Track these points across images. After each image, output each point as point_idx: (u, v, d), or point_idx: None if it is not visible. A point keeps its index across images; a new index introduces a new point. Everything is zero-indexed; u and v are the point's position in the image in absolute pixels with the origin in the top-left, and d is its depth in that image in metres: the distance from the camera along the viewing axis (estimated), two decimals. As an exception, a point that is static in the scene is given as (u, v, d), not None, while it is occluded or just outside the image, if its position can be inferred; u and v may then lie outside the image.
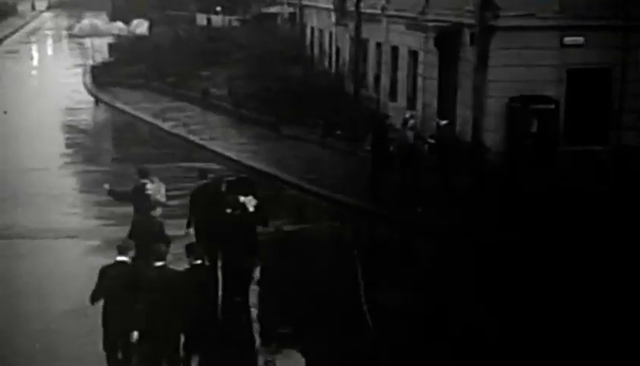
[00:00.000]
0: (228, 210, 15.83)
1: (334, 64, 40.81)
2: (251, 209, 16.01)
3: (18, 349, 15.40)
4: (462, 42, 25.27)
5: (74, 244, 21.18)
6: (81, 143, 32.82)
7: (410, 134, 23.85)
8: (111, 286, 13.18)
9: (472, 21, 24.25)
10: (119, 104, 40.05)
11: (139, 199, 17.13)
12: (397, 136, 24.10)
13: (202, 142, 31.78)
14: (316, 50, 45.08)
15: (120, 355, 13.37)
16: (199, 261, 13.44)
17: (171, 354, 13.29)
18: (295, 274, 19.19)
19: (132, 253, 13.45)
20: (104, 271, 13.40)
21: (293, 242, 21.51)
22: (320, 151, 29.74)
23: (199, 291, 13.18)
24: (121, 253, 13.43)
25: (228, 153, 29.87)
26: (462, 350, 15.57)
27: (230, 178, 18.19)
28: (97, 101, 42.29)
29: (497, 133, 23.92)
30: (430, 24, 26.81)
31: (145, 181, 17.23)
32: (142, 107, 38.97)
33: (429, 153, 24.18)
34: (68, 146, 32.23)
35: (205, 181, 17.84)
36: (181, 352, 13.44)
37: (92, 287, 13.30)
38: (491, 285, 18.92)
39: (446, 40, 25.97)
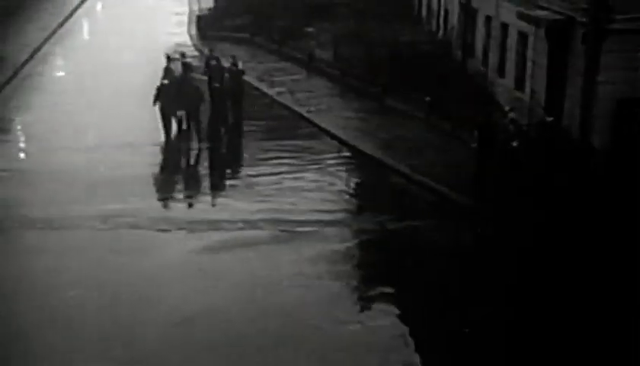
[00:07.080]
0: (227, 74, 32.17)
1: (441, 27, 40.50)
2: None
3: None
4: (573, 37, 24.92)
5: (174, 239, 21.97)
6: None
7: (511, 128, 23.93)
8: (164, 92, 28.34)
9: (584, 20, 23.90)
10: (225, 64, 40.29)
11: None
12: (500, 137, 24.13)
13: (308, 115, 32.08)
14: (424, 10, 44.73)
15: (170, 123, 28.87)
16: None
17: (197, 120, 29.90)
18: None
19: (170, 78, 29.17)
20: (160, 88, 28.47)
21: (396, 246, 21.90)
22: (426, 132, 29.71)
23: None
24: (165, 78, 28.93)
25: (334, 131, 30.21)
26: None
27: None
28: (204, 58, 42.69)
29: (605, 134, 23.71)
30: (541, 13, 26.42)
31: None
32: (248, 67, 39.11)
33: (532, 152, 24.11)
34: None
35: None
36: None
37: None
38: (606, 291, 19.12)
39: (557, 33, 25.67)
